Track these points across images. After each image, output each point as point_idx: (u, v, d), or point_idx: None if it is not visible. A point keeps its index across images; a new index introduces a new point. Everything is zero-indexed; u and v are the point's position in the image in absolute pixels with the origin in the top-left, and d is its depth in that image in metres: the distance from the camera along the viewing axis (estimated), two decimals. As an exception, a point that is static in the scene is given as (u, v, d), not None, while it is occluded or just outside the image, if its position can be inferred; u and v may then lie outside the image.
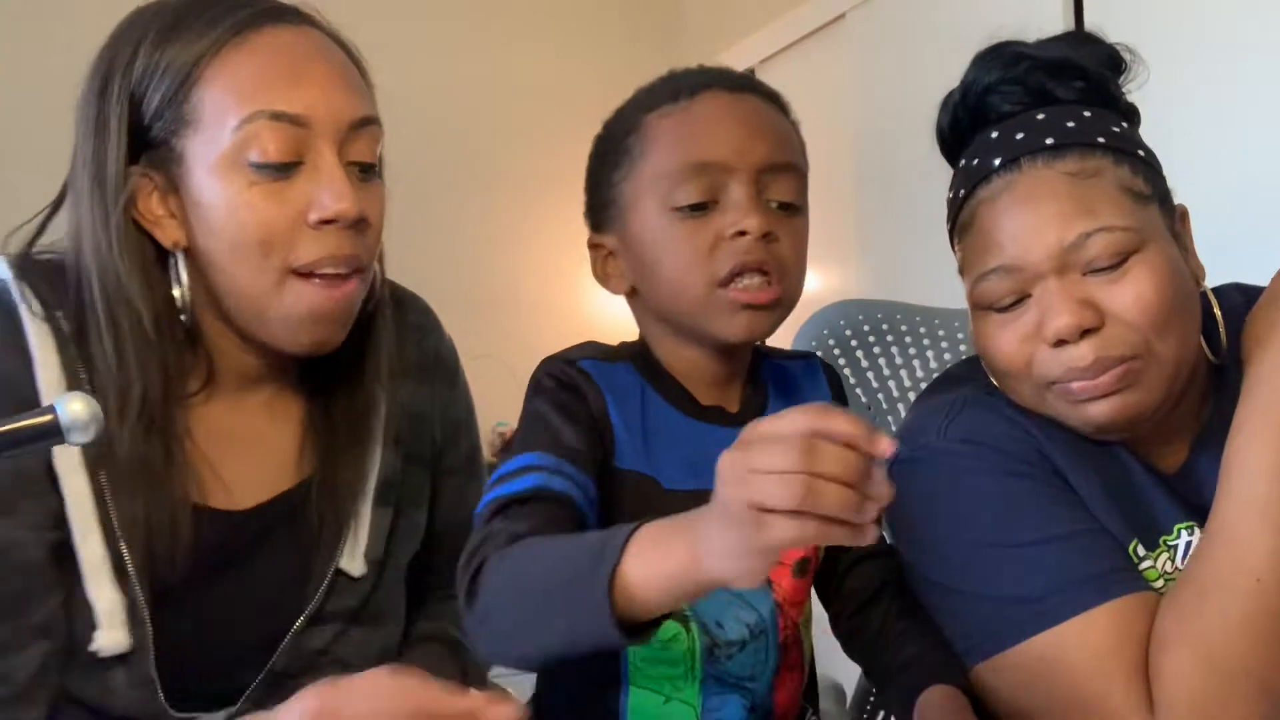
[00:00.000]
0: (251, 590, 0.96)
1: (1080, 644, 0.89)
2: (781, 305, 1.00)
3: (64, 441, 0.75)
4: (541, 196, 3.92)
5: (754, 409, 1.04)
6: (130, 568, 0.91)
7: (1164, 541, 0.97)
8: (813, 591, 1.11)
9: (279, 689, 0.93)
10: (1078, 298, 0.91)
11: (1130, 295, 0.91)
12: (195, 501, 0.95)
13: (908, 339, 1.47)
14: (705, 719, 0.97)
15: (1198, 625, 0.86)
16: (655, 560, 0.75)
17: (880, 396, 1.45)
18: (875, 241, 2.70)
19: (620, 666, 0.97)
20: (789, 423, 0.65)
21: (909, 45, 2.69)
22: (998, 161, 0.95)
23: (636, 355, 1.04)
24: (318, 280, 0.92)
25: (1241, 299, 1.02)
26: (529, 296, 3.89)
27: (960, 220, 0.99)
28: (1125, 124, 0.99)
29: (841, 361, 1.45)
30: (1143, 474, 0.98)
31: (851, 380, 1.45)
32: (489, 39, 3.87)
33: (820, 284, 2.96)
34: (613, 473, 0.95)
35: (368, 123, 0.96)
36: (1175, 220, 0.98)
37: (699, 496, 0.95)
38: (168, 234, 0.93)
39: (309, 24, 0.97)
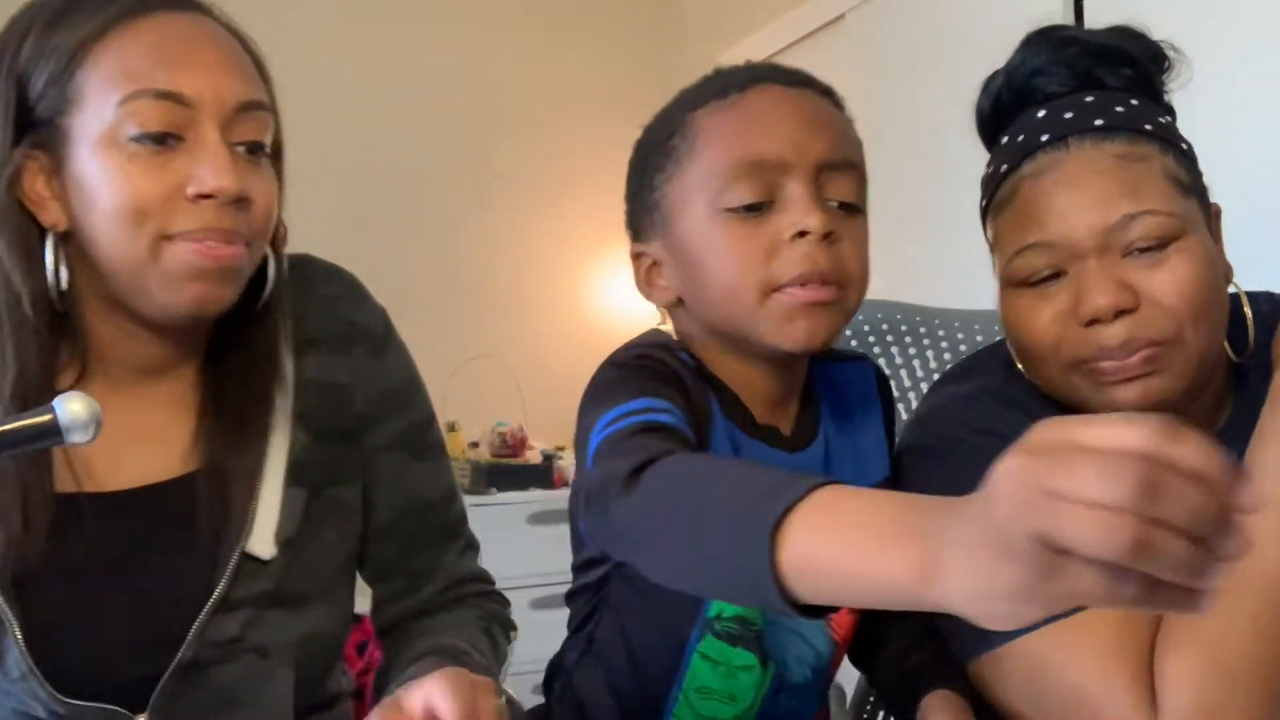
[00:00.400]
0: (149, 580, 0.96)
1: (1084, 641, 0.88)
2: (843, 310, 0.92)
3: (63, 442, 0.75)
4: (542, 196, 3.93)
5: (807, 433, 0.98)
6: None
7: None
8: None
9: (194, 680, 0.93)
10: (1116, 279, 0.90)
11: (1169, 281, 0.90)
12: (70, 490, 0.96)
13: (908, 339, 1.47)
14: None
15: (1206, 625, 0.85)
16: (839, 548, 0.59)
17: (880, 396, 1.45)
18: (876, 242, 2.69)
19: (666, 705, 0.93)
20: (1118, 434, 0.47)
21: (909, 45, 2.69)
22: (1045, 138, 0.95)
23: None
24: (194, 244, 0.92)
25: (1269, 307, 1.02)
26: (529, 296, 3.89)
27: (999, 196, 0.98)
28: (1169, 117, 0.98)
29: (841, 361, 1.45)
30: None
31: (851, 380, 1.45)
32: (489, 39, 3.87)
33: (820, 284, 2.96)
34: None
35: (256, 107, 0.96)
36: (1212, 218, 0.98)
37: None
38: (50, 215, 0.94)
39: (201, 12, 0.98)
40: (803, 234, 0.88)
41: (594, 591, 0.99)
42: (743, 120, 0.92)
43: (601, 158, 3.96)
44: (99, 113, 0.91)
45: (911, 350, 1.47)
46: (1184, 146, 0.96)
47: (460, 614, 1.06)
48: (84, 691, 0.92)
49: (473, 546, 1.12)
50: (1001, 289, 0.98)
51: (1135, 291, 0.91)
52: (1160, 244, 0.91)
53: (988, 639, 0.93)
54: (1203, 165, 0.98)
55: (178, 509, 0.98)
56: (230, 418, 1.00)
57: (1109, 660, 0.87)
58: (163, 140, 0.91)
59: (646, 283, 0.99)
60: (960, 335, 1.48)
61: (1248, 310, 0.99)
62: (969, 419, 1.00)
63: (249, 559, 0.96)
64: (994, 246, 0.99)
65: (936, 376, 1.41)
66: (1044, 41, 0.99)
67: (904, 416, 1.44)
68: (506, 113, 3.87)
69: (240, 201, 0.93)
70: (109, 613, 0.95)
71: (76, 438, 0.75)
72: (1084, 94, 0.96)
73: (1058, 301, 0.93)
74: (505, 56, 3.88)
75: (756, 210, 0.90)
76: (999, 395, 1.01)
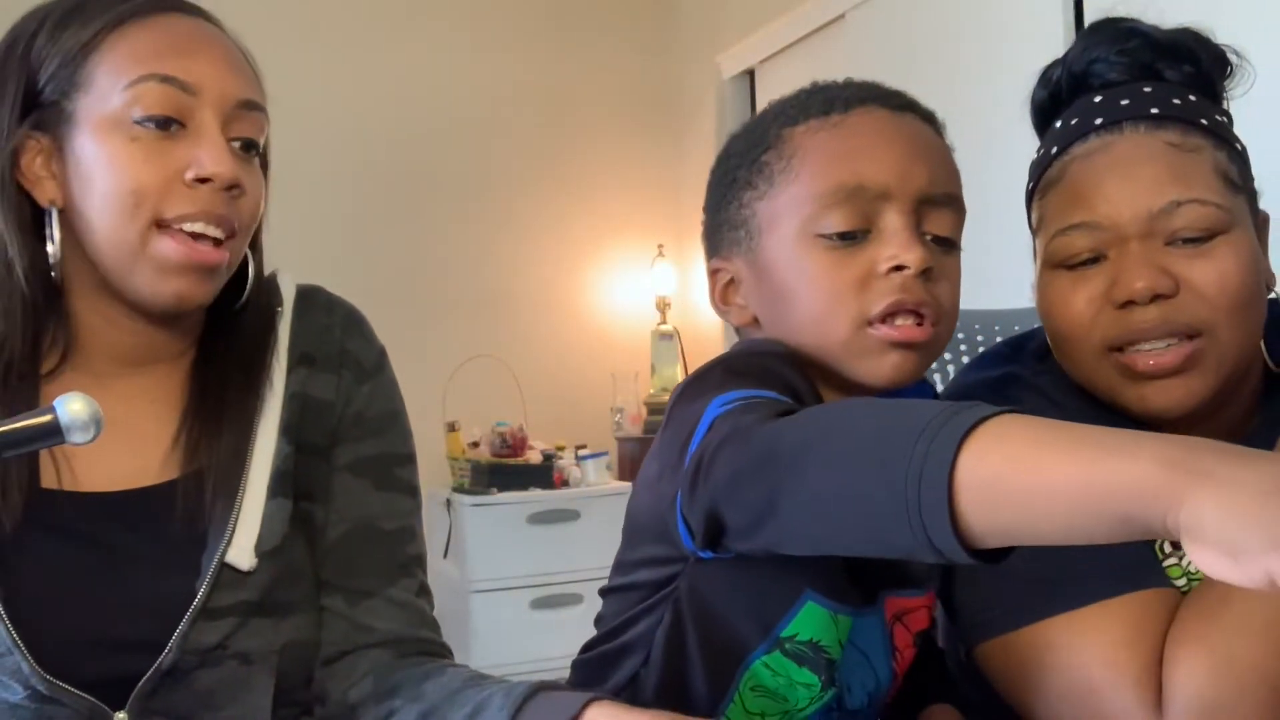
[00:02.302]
0: (129, 583, 0.97)
1: (1095, 633, 0.88)
2: (934, 349, 0.89)
3: (64, 441, 0.75)
4: (542, 197, 3.93)
5: None
6: None
7: None
8: None
9: (174, 683, 0.93)
10: (1156, 264, 0.90)
11: (1212, 272, 0.90)
12: (52, 486, 0.97)
13: (908, 339, 1.47)
14: None
15: (1218, 627, 0.85)
16: (1051, 458, 0.57)
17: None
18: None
19: (728, 689, 0.89)
20: None
21: (909, 45, 2.68)
22: (1099, 121, 0.94)
23: None
24: (185, 237, 0.95)
25: None
26: (529, 296, 3.89)
27: (1047, 177, 0.97)
28: (1226, 116, 0.98)
29: (842, 361, 1.44)
30: None
31: (852, 380, 1.45)
32: (488, 40, 3.87)
33: (820, 284, 2.96)
34: None
35: (254, 107, 1.00)
36: (1259, 225, 0.97)
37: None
38: (45, 192, 0.96)
39: (208, 19, 1.03)
40: (900, 268, 0.85)
41: (652, 590, 0.92)
42: (845, 143, 0.88)
43: (602, 157, 3.98)
44: (106, 96, 0.94)
45: (912, 350, 1.47)
46: (1238, 147, 0.96)
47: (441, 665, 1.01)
48: (62, 676, 0.92)
49: (427, 594, 1.07)
50: (1040, 271, 0.97)
51: (1175, 278, 0.90)
52: (1206, 235, 0.90)
53: (1004, 621, 0.93)
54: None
55: (159, 514, 0.99)
56: (212, 421, 1.01)
57: (1119, 653, 0.87)
58: (166, 125, 0.94)
59: (722, 300, 0.95)
60: (961, 335, 1.48)
61: None
62: (996, 403, 1.00)
63: (229, 569, 0.97)
64: (1036, 228, 0.99)
65: (938, 377, 1.41)
66: (1107, 31, 0.98)
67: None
68: (507, 113, 3.87)
69: (234, 190, 0.96)
70: (89, 610, 0.95)
71: (77, 438, 0.76)
72: (1142, 84, 0.95)
73: (1095, 284, 0.93)
74: (506, 57, 3.88)
75: (851, 239, 0.86)
76: (1028, 383, 1.01)
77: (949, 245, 0.89)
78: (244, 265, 1.03)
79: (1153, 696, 0.85)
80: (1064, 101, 0.99)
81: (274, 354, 1.04)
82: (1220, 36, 0.99)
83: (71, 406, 0.75)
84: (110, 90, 0.94)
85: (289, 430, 1.03)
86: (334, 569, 1.04)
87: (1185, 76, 0.96)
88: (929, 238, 0.87)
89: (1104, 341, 0.93)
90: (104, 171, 0.94)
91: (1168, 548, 0.96)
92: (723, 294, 0.95)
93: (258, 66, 1.05)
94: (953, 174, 0.91)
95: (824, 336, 0.87)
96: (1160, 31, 0.97)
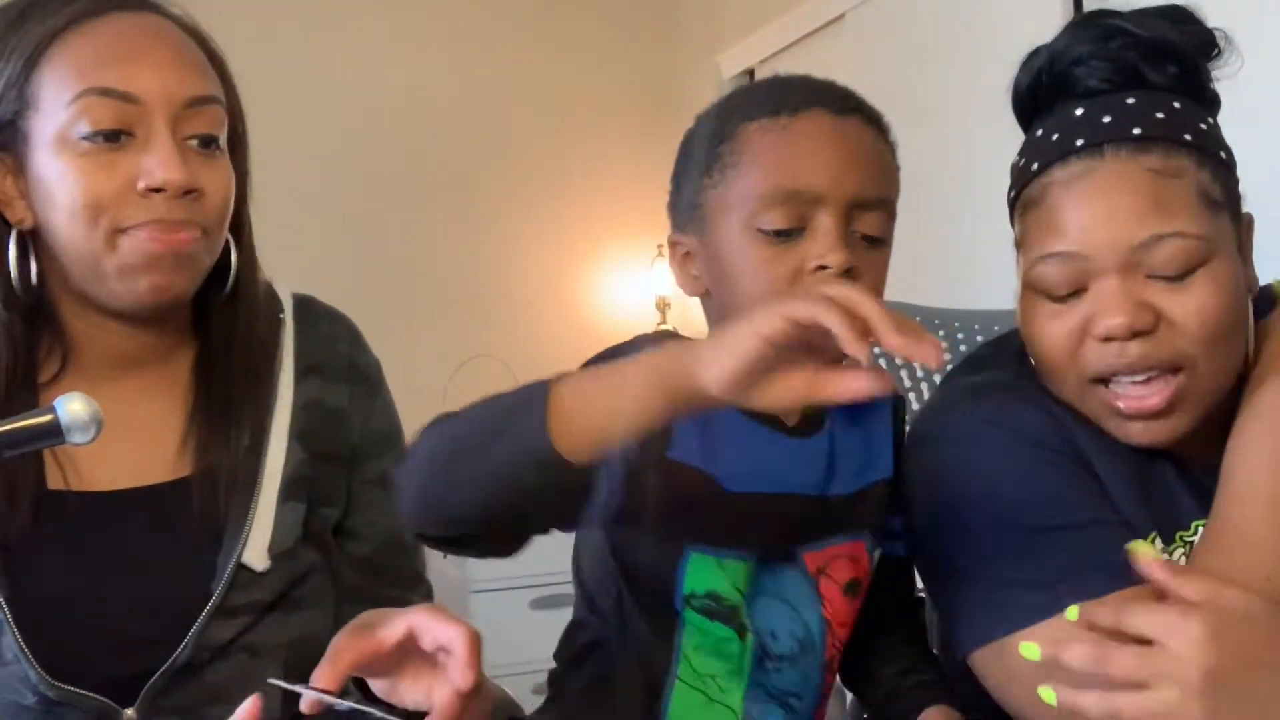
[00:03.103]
0: (141, 581, 0.97)
1: (1087, 634, 0.89)
2: None
3: (64, 441, 0.76)
4: (542, 197, 3.92)
5: (812, 424, 1.02)
6: None
7: (1180, 537, 0.97)
8: None
9: (184, 678, 0.94)
10: (1136, 299, 0.90)
11: (1192, 305, 0.90)
12: (59, 487, 0.97)
13: (908, 339, 1.47)
14: None
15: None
16: (610, 376, 0.77)
17: (880, 396, 1.45)
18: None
19: (673, 653, 0.96)
20: None
21: (909, 45, 2.69)
22: (1080, 142, 0.93)
23: None
24: (146, 233, 0.95)
25: None
26: (529, 296, 3.89)
27: (1028, 193, 0.97)
28: (1210, 119, 0.97)
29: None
30: (1170, 469, 0.98)
31: (851, 380, 1.45)
32: (488, 39, 3.87)
33: (820, 284, 2.96)
34: (665, 463, 0.94)
35: (207, 101, 0.99)
36: (1241, 229, 0.96)
37: (760, 500, 0.97)
38: (16, 212, 0.97)
39: (154, 12, 1.01)
40: (824, 268, 0.93)
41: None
42: (788, 146, 0.95)
43: (601, 156, 3.98)
44: (53, 113, 0.94)
45: (912, 350, 1.47)
46: (1222, 155, 0.95)
47: None
48: (70, 680, 0.93)
49: (430, 597, 1.13)
50: (1022, 291, 0.98)
51: (1155, 313, 0.90)
52: (1186, 270, 0.90)
53: (996, 628, 0.93)
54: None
55: (170, 512, 0.99)
56: (221, 420, 1.02)
57: None
58: (114, 137, 0.94)
59: (679, 270, 1.03)
60: (960, 335, 1.48)
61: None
62: (979, 411, 1.00)
63: (244, 569, 0.97)
64: (1019, 243, 0.99)
65: (937, 377, 1.41)
66: (1090, 30, 0.97)
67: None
68: (506, 112, 3.87)
69: (191, 193, 0.96)
70: (101, 610, 0.96)
71: (77, 438, 0.76)
72: (1125, 95, 0.94)
73: (1075, 317, 0.93)
74: (505, 57, 3.88)
75: (787, 236, 0.94)
76: (1010, 388, 1.01)
77: (878, 242, 0.97)
78: (226, 255, 1.03)
79: None
80: (1044, 96, 0.98)
81: (278, 355, 1.05)
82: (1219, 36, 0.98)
83: (71, 406, 0.75)
84: (55, 107, 0.94)
85: (303, 437, 1.04)
86: (365, 578, 1.08)
87: (1170, 79, 0.95)
88: (859, 236, 0.95)
89: (1086, 374, 0.93)
90: (61, 188, 0.94)
91: (1159, 544, 0.96)
92: (681, 264, 1.03)
93: (216, 49, 1.04)
94: (886, 177, 0.99)
95: None
96: (1144, 24, 0.95)
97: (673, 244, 1.04)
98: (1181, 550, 0.96)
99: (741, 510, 0.96)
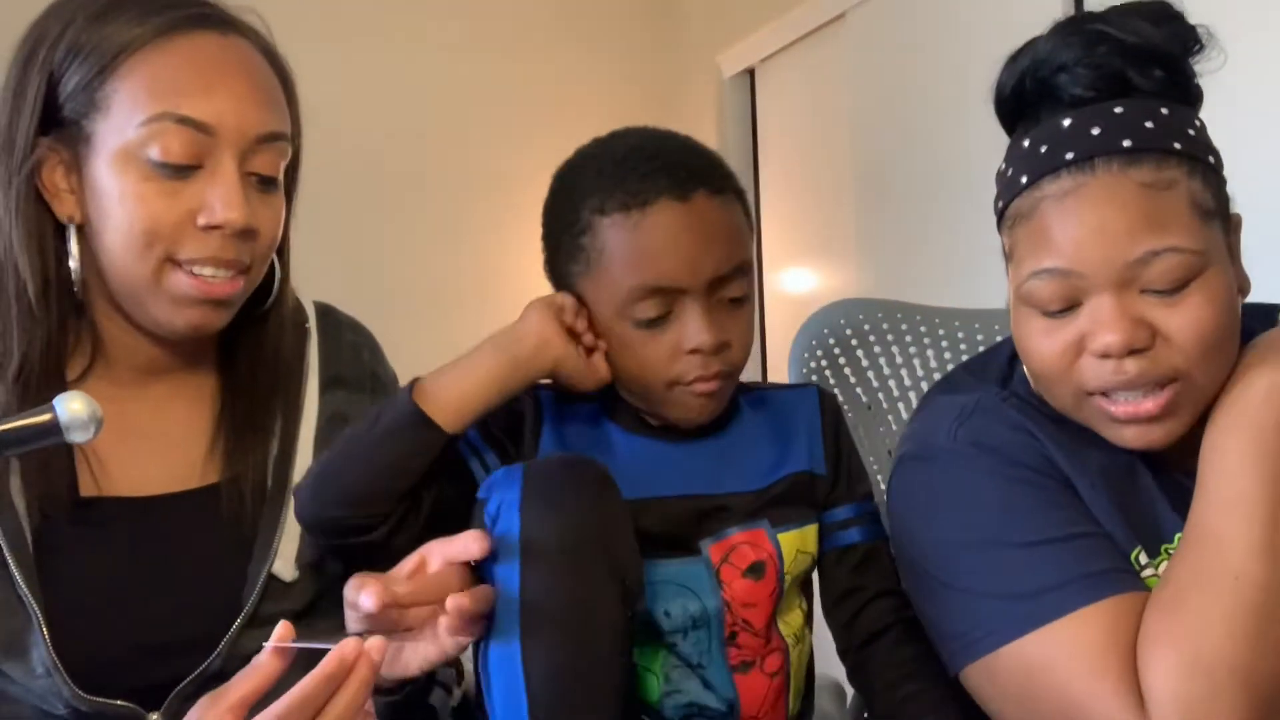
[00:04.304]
0: (172, 589, 0.97)
1: (1072, 643, 0.89)
2: (732, 385, 1.10)
3: (64, 440, 0.76)
4: (541, 197, 3.92)
5: (707, 429, 1.10)
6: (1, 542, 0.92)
7: (1165, 550, 0.97)
8: (817, 620, 1.15)
9: (211, 685, 0.95)
10: (1131, 316, 0.90)
11: (1187, 320, 0.90)
12: (92, 494, 0.97)
13: (908, 338, 1.47)
14: (668, 693, 1.05)
15: (1179, 624, 0.86)
16: (462, 363, 1.04)
17: (880, 396, 1.45)
18: (875, 241, 2.70)
19: None
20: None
21: (909, 45, 2.68)
22: (1070, 156, 0.92)
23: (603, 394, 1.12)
24: (193, 283, 0.95)
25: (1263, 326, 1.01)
26: (529, 297, 3.88)
27: (1018, 206, 0.96)
28: (1198, 121, 0.96)
29: (841, 361, 1.45)
30: (1152, 483, 0.98)
31: (851, 380, 1.45)
32: (487, 39, 3.87)
33: (820, 283, 2.96)
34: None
35: (275, 138, 0.98)
36: (1231, 231, 0.96)
37: (650, 504, 1.05)
38: (65, 207, 0.96)
39: (239, 34, 0.99)
40: (697, 350, 1.03)
41: None
42: (643, 244, 1.03)
43: (601, 158, 3.97)
44: (122, 127, 0.92)
45: (912, 350, 1.47)
46: (1211, 160, 0.94)
47: None
48: (102, 691, 0.92)
49: None
50: (1014, 304, 0.97)
51: (1151, 329, 0.90)
52: (1181, 284, 0.90)
53: (983, 643, 0.94)
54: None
55: (199, 518, 0.99)
56: (248, 428, 1.01)
57: (1096, 661, 0.88)
58: (183, 171, 0.94)
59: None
60: (960, 335, 1.48)
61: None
62: (960, 431, 1.01)
63: (275, 580, 0.98)
64: (1009, 255, 0.98)
65: (936, 376, 1.41)
66: (1073, 35, 0.95)
67: (903, 415, 1.44)
68: (506, 112, 3.87)
69: (246, 233, 0.94)
70: (134, 616, 0.96)
71: (76, 436, 0.76)
72: (1113, 104, 0.93)
73: (1069, 332, 0.93)
74: (505, 56, 3.88)
75: (658, 321, 1.04)
76: (992, 408, 1.01)
77: (741, 300, 1.07)
78: (270, 270, 1.03)
79: (1134, 699, 0.86)
80: (1028, 100, 0.97)
81: (306, 366, 1.06)
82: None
83: (70, 405, 0.75)
84: (126, 122, 0.92)
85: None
86: None
87: (1156, 83, 0.94)
88: (726, 300, 1.05)
89: (1082, 388, 0.94)
90: (118, 206, 0.93)
91: (1144, 558, 0.97)
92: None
93: (289, 73, 1.03)
94: (738, 243, 1.07)
95: (643, 391, 1.08)
96: (1127, 27, 0.94)
97: None
98: (1167, 563, 0.96)
99: (672, 525, 1.05)
